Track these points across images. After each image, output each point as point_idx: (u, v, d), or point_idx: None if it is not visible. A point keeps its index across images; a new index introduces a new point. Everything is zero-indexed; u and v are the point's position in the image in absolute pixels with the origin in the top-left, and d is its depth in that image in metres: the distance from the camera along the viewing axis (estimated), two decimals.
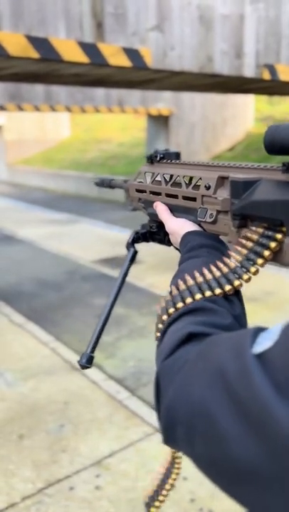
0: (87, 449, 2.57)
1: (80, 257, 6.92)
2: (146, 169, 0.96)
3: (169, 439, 0.48)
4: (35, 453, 2.55)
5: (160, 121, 12.51)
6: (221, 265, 0.62)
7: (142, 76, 4.54)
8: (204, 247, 0.70)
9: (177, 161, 0.90)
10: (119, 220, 9.33)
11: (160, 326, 0.59)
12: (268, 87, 5.67)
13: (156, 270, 5.77)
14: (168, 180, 0.88)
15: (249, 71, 4.52)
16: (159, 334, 0.59)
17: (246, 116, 14.53)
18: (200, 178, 0.78)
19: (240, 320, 0.60)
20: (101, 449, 2.56)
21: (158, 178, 0.92)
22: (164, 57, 3.86)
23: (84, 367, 0.86)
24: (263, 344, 0.40)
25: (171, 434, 0.47)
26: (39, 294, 5.34)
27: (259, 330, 0.43)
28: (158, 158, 0.93)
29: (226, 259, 0.62)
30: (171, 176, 0.87)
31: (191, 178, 0.82)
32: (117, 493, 2.24)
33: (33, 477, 2.36)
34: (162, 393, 0.49)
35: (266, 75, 4.63)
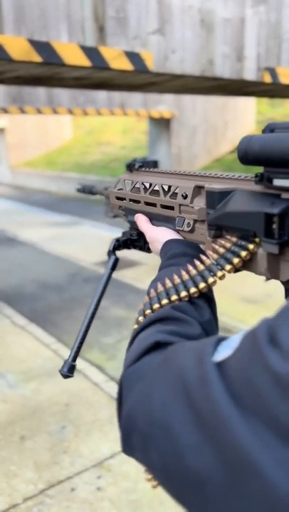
0: (89, 450, 2.58)
1: (82, 259, 6.94)
2: (125, 177, 0.97)
3: (126, 447, 0.47)
4: (37, 454, 2.56)
5: (162, 124, 12.54)
6: (190, 268, 0.62)
7: (143, 79, 4.56)
8: (186, 255, 0.70)
9: (155, 170, 0.90)
10: (121, 222, 9.31)
11: (135, 326, 0.60)
12: (269, 90, 5.68)
13: (157, 272, 5.77)
14: (147, 188, 0.89)
15: (250, 74, 4.53)
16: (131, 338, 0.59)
17: (247, 118, 14.55)
18: (177, 187, 0.78)
19: (209, 326, 0.60)
20: (102, 451, 2.57)
21: (137, 186, 0.92)
22: (165, 60, 3.88)
23: (66, 376, 0.85)
24: (223, 353, 0.40)
25: (128, 443, 0.47)
26: (41, 296, 5.36)
27: (221, 338, 0.43)
28: (136, 167, 0.94)
29: (197, 262, 0.63)
30: (150, 185, 0.88)
31: (169, 187, 0.82)
32: (118, 494, 2.25)
33: (35, 478, 2.37)
34: (123, 400, 0.49)
35: (267, 78, 4.65)
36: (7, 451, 2.59)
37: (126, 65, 3.58)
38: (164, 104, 11.69)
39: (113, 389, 3.19)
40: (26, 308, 4.90)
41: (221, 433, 0.35)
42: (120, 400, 0.50)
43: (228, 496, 0.35)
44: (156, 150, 12.92)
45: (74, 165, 18.68)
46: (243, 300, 4.75)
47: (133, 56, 3.61)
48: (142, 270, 5.97)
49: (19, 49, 3.00)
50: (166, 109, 11.84)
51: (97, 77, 4.34)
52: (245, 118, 14.41)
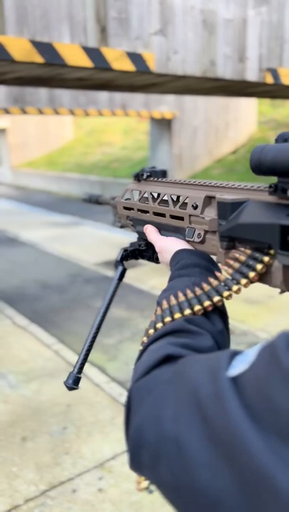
0: (90, 451, 2.58)
1: (83, 259, 6.94)
2: (133, 187, 0.96)
3: (135, 463, 0.46)
4: (38, 455, 2.55)
5: (163, 125, 12.54)
6: (204, 285, 0.61)
7: (145, 80, 4.56)
8: (197, 266, 0.69)
9: (164, 179, 0.89)
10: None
11: (144, 338, 0.59)
12: (270, 90, 5.68)
13: (158, 272, 5.78)
14: (155, 198, 0.88)
15: (252, 75, 4.53)
16: (141, 348, 0.58)
17: (249, 119, 14.54)
18: (187, 197, 0.77)
19: (221, 337, 0.59)
20: (104, 452, 2.57)
21: (145, 196, 0.91)
22: (167, 61, 3.88)
23: (71, 388, 0.84)
24: (237, 367, 0.39)
25: (136, 458, 0.45)
26: (42, 296, 5.36)
27: (235, 353, 0.42)
28: (144, 177, 0.92)
29: (211, 279, 0.62)
30: (159, 195, 0.87)
31: (178, 197, 0.81)
32: (120, 495, 2.24)
33: (36, 479, 2.37)
34: (132, 414, 0.47)
35: (269, 79, 4.64)
36: (8, 452, 2.59)
37: (128, 65, 3.58)
38: (166, 104, 11.69)
39: (114, 390, 3.19)
40: (27, 308, 4.90)
41: (237, 451, 0.34)
42: (128, 414, 0.48)
43: None
44: (158, 150, 12.92)
45: (75, 165, 18.69)
46: (245, 301, 4.75)
47: (135, 57, 3.61)
48: (143, 271, 5.97)
49: (21, 50, 3.01)
50: (168, 109, 11.84)
51: (99, 78, 4.34)
52: (246, 119, 14.41)
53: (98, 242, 7.96)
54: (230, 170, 12.66)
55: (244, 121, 14.32)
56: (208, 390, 0.39)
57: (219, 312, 0.62)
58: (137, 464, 0.45)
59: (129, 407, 0.49)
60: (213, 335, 0.57)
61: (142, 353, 0.56)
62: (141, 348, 0.58)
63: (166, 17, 3.78)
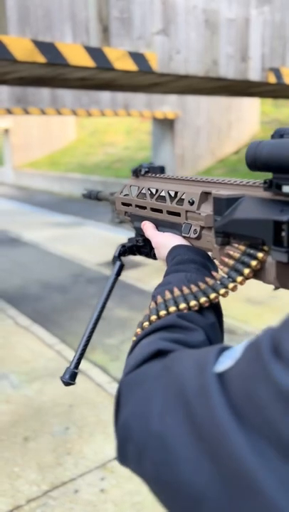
0: (92, 451, 2.57)
1: (85, 259, 6.94)
2: (131, 183, 0.97)
3: (122, 457, 0.46)
4: (40, 455, 2.55)
5: (165, 125, 12.53)
6: (200, 284, 0.62)
7: (147, 80, 4.56)
8: (193, 262, 0.69)
9: (161, 175, 0.89)
10: (125, 223, 9.32)
11: (138, 330, 0.59)
12: (273, 90, 5.66)
13: (161, 273, 5.76)
14: (153, 194, 0.88)
15: (254, 75, 4.52)
16: (134, 339, 0.58)
17: (252, 119, 14.52)
18: (184, 193, 0.78)
19: (212, 331, 0.59)
20: (106, 452, 2.56)
21: (143, 192, 0.92)
22: (169, 61, 3.87)
23: (67, 384, 0.84)
24: (224, 363, 0.39)
25: (123, 452, 0.45)
26: (44, 296, 5.36)
27: (223, 348, 0.42)
28: (143, 172, 0.93)
29: (208, 278, 0.62)
30: (156, 191, 0.87)
31: (175, 193, 0.81)
32: (122, 496, 2.24)
33: (38, 480, 2.36)
34: (121, 408, 0.47)
35: (272, 79, 4.63)
36: (10, 452, 2.58)
37: (130, 65, 3.58)
38: (168, 104, 11.69)
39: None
40: (29, 308, 4.90)
41: (220, 447, 0.34)
42: (118, 407, 0.48)
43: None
44: (160, 151, 12.92)
45: (77, 165, 18.71)
46: (248, 301, 4.73)
47: (137, 56, 3.60)
48: (145, 271, 5.96)
49: (23, 50, 3.00)
50: (170, 109, 11.83)
51: (101, 78, 4.34)
52: (249, 118, 14.39)
53: (100, 242, 7.96)
54: (233, 170, 12.63)
55: (247, 121, 14.30)
56: (194, 384, 0.39)
57: (212, 306, 0.62)
58: (123, 457, 0.46)
59: (118, 399, 0.49)
60: (205, 329, 0.57)
61: (133, 346, 0.56)
62: (134, 339, 0.58)
63: (168, 16, 3.77)
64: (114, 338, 4.02)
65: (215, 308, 0.63)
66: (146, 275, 5.81)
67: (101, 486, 2.31)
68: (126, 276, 5.72)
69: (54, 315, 4.72)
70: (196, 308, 0.59)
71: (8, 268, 6.65)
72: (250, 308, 4.61)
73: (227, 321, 4.07)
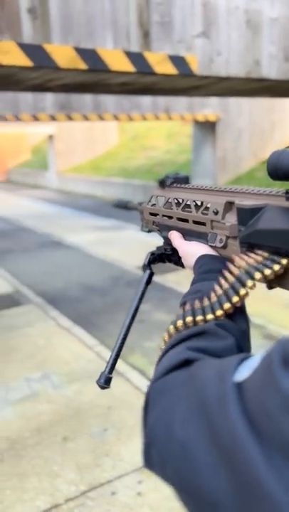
0: (130, 454, 2.58)
1: (125, 262, 6.99)
2: (158, 193, 0.98)
3: (147, 461, 0.48)
4: (79, 456, 2.58)
5: (207, 128, 12.45)
6: (222, 282, 0.62)
7: (188, 83, 4.54)
8: (219, 272, 0.69)
9: (187, 186, 0.90)
10: None
11: (166, 337, 0.60)
12: None
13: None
14: (179, 204, 0.89)
15: None
16: (162, 347, 0.59)
17: None
18: (208, 203, 0.78)
19: (244, 337, 0.59)
20: None
21: (169, 202, 0.93)
22: (210, 63, 3.85)
23: (102, 387, 0.86)
24: (243, 373, 0.40)
25: (148, 457, 0.47)
26: (84, 298, 5.44)
27: (244, 358, 0.43)
28: (168, 183, 0.94)
29: (226, 273, 0.62)
30: (182, 200, 0.88)
31: (200, 203, 0.82)
32: (159, 500, 2.23)
33: (77, 479, 2.39)
34: (148, 413, 0.49)
35: None
36: (50, 451, 2.63)
37: (170, 69, 3.58)
38: (210, 107, 11.61)
39: None
40: (71, 310, 4.99)
41: (236, 455, 0.35)
42: (146, 413, 0.50)
43: None
44: (201, 153, 12.83)
45: (119, 170, 18.92)
46: (285, 307, 4.61)
47: (177, 60, 3.60)
48: (184, 274, 5.93)
49: (65, 57, 3.08)
50: (212, 112, 11.75)
51: (142, 82, 4.37)
52: None
53: (141, 246, 8.00)
54: None
55: None
56: (214, 393, 0.40)
57: (242, 313, 0.63)
58: (149, 461, 0.47)
59: (146, 406, 0.50)
60: (237, 337, 0.57)
61: (163, 354, 0.58)
62: (162, 347, 0.60)
63: (209, 19, 3.75)
64: (153, 341, 4.02)
65: (244, 315, 0.63)
66: (185, 278, 5.78)
67: (138, 489, 2.30)
68: (165, 279, 5.71)
69: (94, 317, 4.78)
70: (224, 315, 0.59)
71: (51, 270, 6.81)
72: (282, 312, 4.48)
73: (268, 326, 3.98)
